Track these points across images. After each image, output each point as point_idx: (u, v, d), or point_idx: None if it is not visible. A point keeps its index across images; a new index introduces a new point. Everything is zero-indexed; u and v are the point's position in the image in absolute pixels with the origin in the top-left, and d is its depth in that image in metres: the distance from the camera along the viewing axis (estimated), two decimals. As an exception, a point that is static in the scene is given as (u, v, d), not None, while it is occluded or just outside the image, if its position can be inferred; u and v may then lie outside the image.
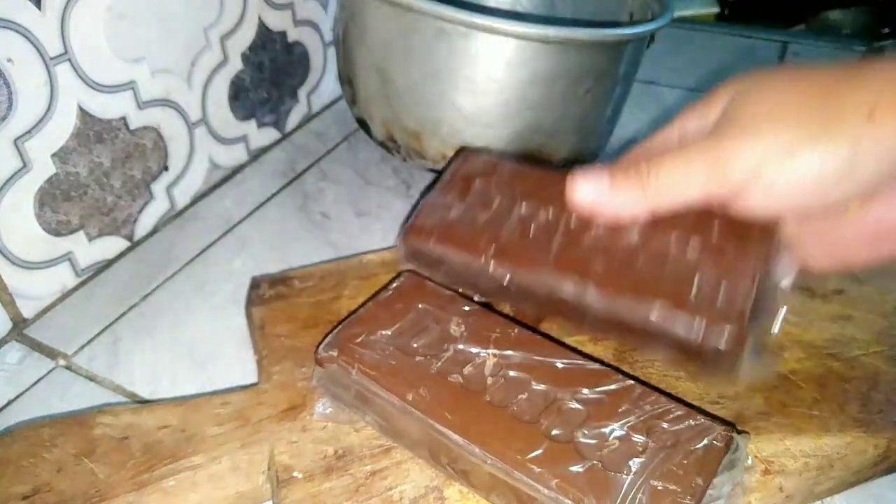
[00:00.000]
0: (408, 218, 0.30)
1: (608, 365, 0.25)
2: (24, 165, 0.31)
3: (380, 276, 0.33)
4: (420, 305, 0.27)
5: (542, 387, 0.24)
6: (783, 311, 0.26)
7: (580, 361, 0.25)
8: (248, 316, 0.32)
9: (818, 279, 0.33)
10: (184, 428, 0.26)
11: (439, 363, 0.25)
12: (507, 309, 0.29)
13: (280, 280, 0.33)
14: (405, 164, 0.46)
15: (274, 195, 0.43)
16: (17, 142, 0.31)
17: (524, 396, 0.24)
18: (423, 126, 0.39)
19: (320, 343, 0.26)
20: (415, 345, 0.25)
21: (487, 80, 0.36)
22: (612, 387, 0.24)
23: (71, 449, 0.25)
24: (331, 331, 0.26)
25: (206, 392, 0.30)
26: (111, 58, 0.34)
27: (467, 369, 0.24)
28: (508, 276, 0.27)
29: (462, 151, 0.33)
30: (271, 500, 0.25)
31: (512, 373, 0.24)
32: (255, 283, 0.33)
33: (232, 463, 0.25)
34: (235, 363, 0.32)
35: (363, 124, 0.44)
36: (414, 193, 0.44)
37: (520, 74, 0.36)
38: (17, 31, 0.29)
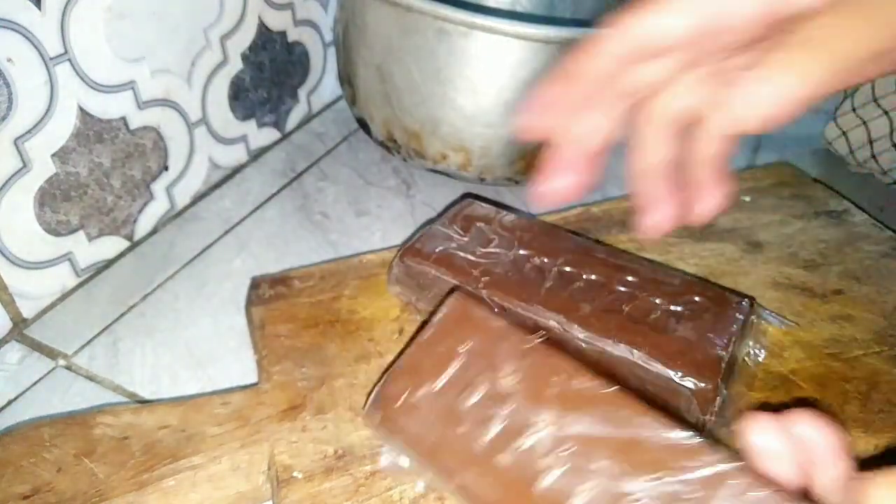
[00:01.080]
0: (405, 243, 0.31)
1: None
2: (24, 165, 0.31)
3: (380, 275, 0.33)
4: (468, 346, 0.24)
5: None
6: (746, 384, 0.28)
7: (666, 433, 0.20)
8: (248, 316, 0.32)
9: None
10: (184, 428, 0.26)
11: (488, 436, 0.22)
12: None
13: (280, 280, 0.33)
14: (405, 164, 0.46)
15: (274, 195, 0.43)
16: (17, 142, 0.31)
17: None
18: (423, 126, 0.39)
19: (366, 401, 0.24)
20: (462, 406, 0.23)
21: (487, 80, 0.36)
22: (704, 473, 0.19)
23: (71, 449, 0.25)
24: (376, 383, 0.25)
25: (207, 392, 0.30)
26: (111, 58, 0.34)
27: (519, 443, 0.21)
28: (497, 305, 0.28)
29: (467, 197, 0.35)
30: (271, 500, 0.25)
31: (573, 448, 0.20)
32: (255, 283, 0.33)
33: (232, 463, 0.25)
34: (235, 363, 0.32)
35: (363, 124, 0.44)
36: (414, 193, 0.44)
37: (520, 74, 0.36)
38: (17, 31, 0.29)
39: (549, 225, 0.34)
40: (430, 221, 0.33)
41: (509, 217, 0.32)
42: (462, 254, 0.30)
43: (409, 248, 0.31)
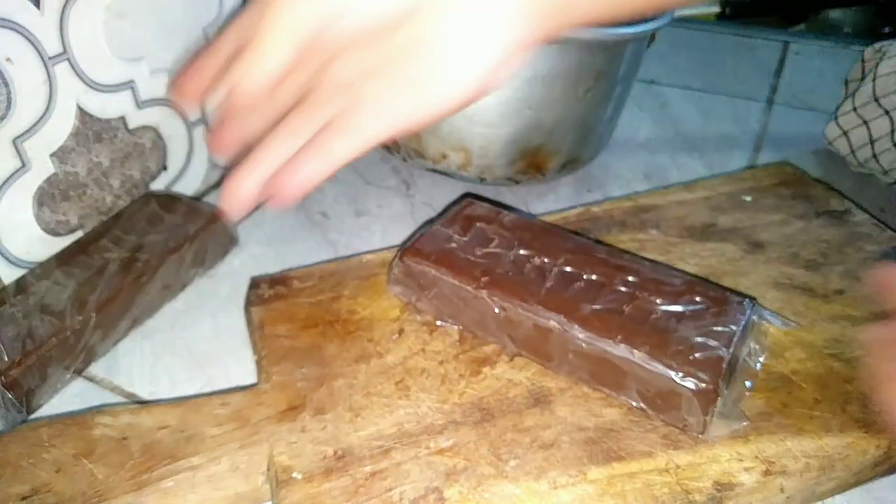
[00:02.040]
0: (405, 243, 0.31)
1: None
2: (23, 165, 0.31)
3: (379, 276, 0.33)
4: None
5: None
6: (748, 384, 0.27)
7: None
8: (248, 316, 0.32)
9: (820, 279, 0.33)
10: (183, 428, 0.26)
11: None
12: (487, 341, 0.30)
13: (279, 280, 0.33)
14: (405, 164, 0.46)
15: (273, 195, 0.43)
16: (16, 141, 0.31)
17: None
18: (422, 126, 0.39)
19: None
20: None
21: (487, 80, 0.36)
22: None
23: (70, 449, 0.25)
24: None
25: (206, 392, 0.30)
26: (110, 57, 0.34)
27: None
28: (498, 305, 0.28)
29: (466, 198, 0.35)
30: (270, 500, 0.25)
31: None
32: (255, 283, 0.33)
33: (231, 464, 0.25)
34: (234, 363, 0.31)
35: (363, 124, 0.44)
36: (414, 193, 0.43)
37: (520, 74, 0.36)
38: (16, 31, 0.29)
39: (549, 225, 0.34)
40: (430, 221, 0.33)
41: (509, 217, 0.32)
42: (462, 254, 0.30)
43: (409, 249, 0.31)
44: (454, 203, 0.35)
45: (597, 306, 0.27)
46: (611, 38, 0.36)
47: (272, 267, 0.37)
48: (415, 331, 0.30)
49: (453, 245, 0.31)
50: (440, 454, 0.25)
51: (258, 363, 0.30)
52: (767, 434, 0.26)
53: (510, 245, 0.31)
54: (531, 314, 0.27)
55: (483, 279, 0.29)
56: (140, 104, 0.36)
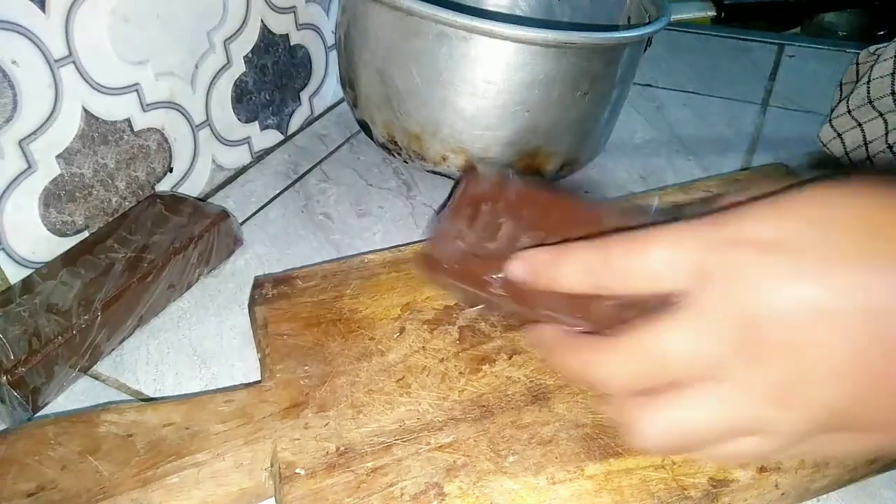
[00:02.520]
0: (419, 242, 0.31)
1: None
2: (30, 166, 0.32)
3: (381, 275, 0.33)
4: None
5: None
6: None
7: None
8: (252, 315, 0.33)
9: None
10: (188, 425, 0.26)
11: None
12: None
13: (283, 280, 0.34)
14: (406, 166, 0.46)
15: (276, 196, 0.43)
16: (22, 143, 0.31)
17: None
18: (423, 128, 0.40)
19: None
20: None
21: (486, 83, 0.37)
22: None
23: (76, 447, 0.26)
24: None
25: (210, 390, 0.30)
26: (115, 60, 0.34)
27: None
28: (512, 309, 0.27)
29: (471, 171, 0.33)
30: (274, 496, 0.26)
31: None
32: (259, 283, 0.34)
33: (235, 460, 0.25)
34: (239, 361, 0.32)
35: (364, 127, 0.44)
36: (415, 194, 0.44)
37: (518, 77, 0.36)
38: (21, 34, 0.30)
39: (556, 195, 0.31)
40: (443, 206, 0.32)
41: (515, 190, 0.30)
42: (473, 256, 0.29)
43: (428, 258, 0.28)
44: (458, 183, 0.33)
45: (608, 303, 0.27)
46: (608, 41, 0.37)
47: (276, 267, 0.37)
48: (415, 329, 0.31)
49: (462, 245, 0.30)
50: (440, 450, 0.25)
51: (262, 361, 0.30)
52: (762, 430, 0.26)
53: (519, 230, 0.29)
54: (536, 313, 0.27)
55: (498, 280, 0.28)
56: (145, 107, 0.37)
